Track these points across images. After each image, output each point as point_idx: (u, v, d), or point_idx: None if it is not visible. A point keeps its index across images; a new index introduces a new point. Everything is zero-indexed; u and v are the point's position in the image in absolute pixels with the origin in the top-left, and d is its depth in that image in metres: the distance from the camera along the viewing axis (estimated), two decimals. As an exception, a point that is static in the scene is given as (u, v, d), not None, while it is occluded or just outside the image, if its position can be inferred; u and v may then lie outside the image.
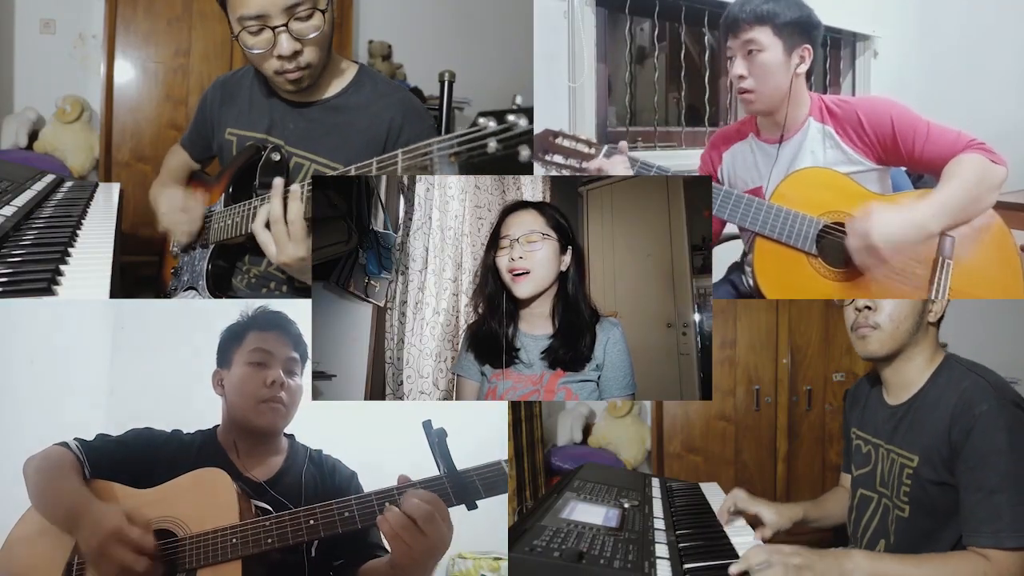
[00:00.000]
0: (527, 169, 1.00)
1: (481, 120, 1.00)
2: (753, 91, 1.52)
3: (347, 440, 1.49)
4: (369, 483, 1.37)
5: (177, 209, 1.61)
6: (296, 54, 1.43)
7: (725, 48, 1.55)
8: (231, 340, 1.39)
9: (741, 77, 1.51)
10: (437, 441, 1.12)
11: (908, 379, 1.28)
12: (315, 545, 1.25)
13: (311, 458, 1.39)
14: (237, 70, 1.73)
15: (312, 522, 1.15)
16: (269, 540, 1.15)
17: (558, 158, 1.50)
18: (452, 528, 1.11)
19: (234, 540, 1.16)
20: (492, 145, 0.99)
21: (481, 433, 1.78)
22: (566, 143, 1.50)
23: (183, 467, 1.26)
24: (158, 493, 1.24)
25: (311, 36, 1.41)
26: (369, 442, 1.73)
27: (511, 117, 0.98)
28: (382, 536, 1.13)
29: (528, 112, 0.98)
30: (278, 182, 1.31)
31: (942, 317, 1.30)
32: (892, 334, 1.26)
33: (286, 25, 1.39)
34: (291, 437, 1.42)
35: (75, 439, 1.32)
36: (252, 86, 1.65)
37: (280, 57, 1.43)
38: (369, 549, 1.26)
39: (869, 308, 1.27)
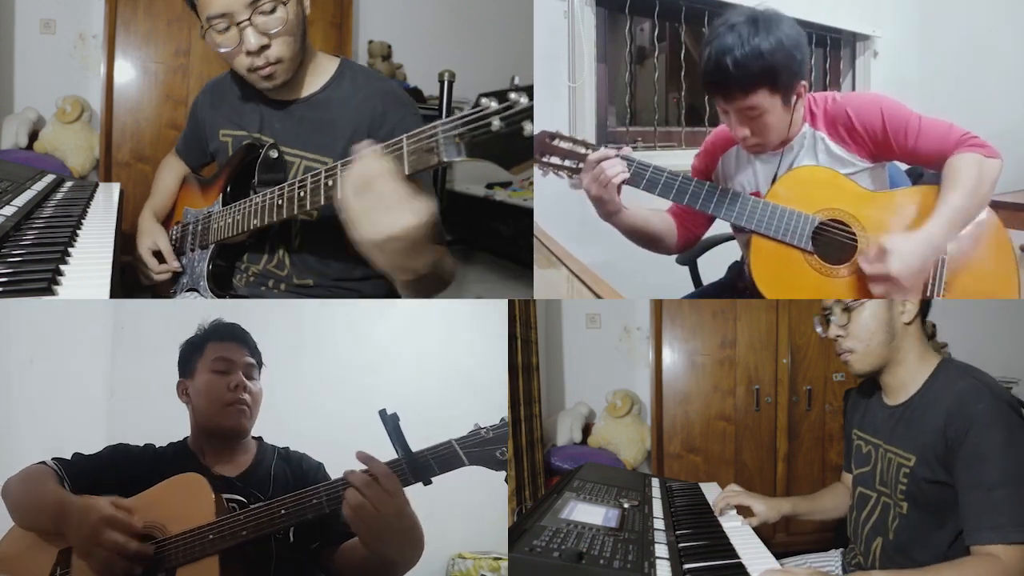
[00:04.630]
0: (530, 145, 1.00)
1: (483, 100, 1.00)
2: (760, 144, 1.49)
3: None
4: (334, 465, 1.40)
5: (152, 254, 1.66)
6: (264, 48, 1.42)
7: (713, 98, 1.47)
8: (192, 351, 1.47)
9: (744, 138, 1.46)
10: (392, 426, 1.19)
11: (903, 381, 1.30)
12: (292, 530, 1.30)
13: (279, 454, 1.46)
14: (224, 73, 1.72)
15: (283, 511, 1.20)
16: (244, 532, 1.19)
17: (555, 159, 1.51)
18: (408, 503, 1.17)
19: (211, 536, 1.20)
20: (496, 123, 0.98)
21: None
22: (563, 144, 1.50)
23: (159, 476, 1.31)
24: (138, 501, 1.28)
25: (276, 30, 1.41)
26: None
27: (512, 95, 0.98)
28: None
29: (528, 90, 0.98)
30: (358, 145, 1.12)
31: (924, 314, 1.31)
32: (867, 352, 1.29)
33: (250, 20, 1.39)
34: (259, 439, 1.48)
35: (53, 459, 1.36)
36: (243, 85, 1.64)
37: (249, 53, 1.42)
38: (342, 532, 1.30)
39: (840, 336, 1.30)
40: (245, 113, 1.63)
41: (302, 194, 1.31)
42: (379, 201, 1.04)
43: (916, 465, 1.21)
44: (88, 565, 1.19)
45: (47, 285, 1.07)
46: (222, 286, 1.61)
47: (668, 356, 2.91)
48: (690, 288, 2.06)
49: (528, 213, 3.17)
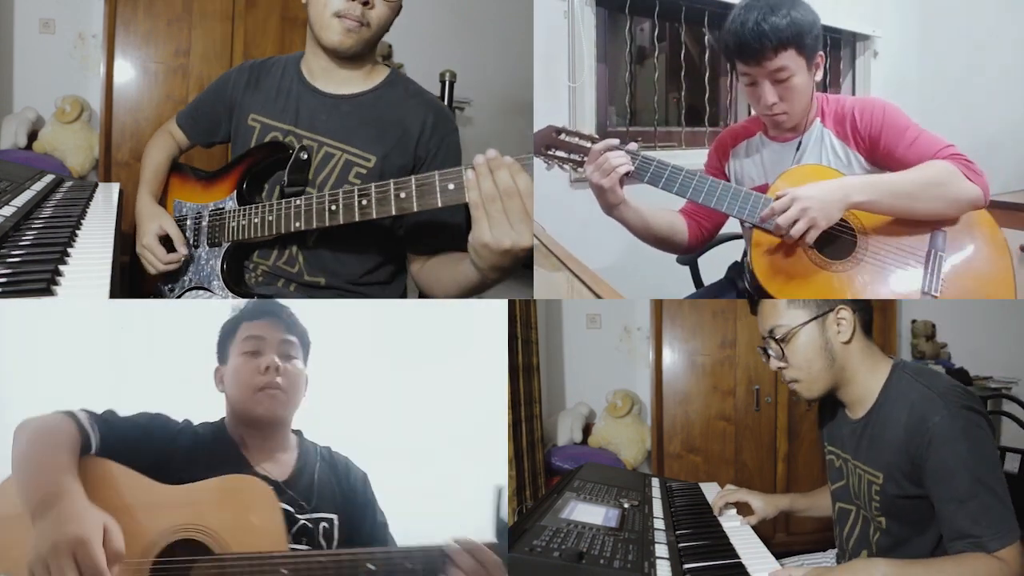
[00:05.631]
0: None
1: None
2: (787, 114, 1.50)
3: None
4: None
5: (161, 244, 1.60)
6: (367, 3, 1.45)
7: (735, 65, 1.50)
8: (226, 335, 1.36)
9: (773, 104, 1.48)
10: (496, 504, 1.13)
11: (859, 396, 1.26)
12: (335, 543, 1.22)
13: (322, 456, 1.34)
14: (267, 58, 1.71)
15: (372, 567, 1.07)
16: None
17: (560, 153, 1.53)
18: None
19: (284, 572, 1.06)
20: None
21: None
22: (569, 139, 1.52)
23: (199, 460, 1.20)
24: (186, 494, 1.13)
25: None
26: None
27: None
28: None
29: None
30: (491, 153, 1.15)
31: (867, 328, 1.26)
32: (811, 379, 1.26)
33: None
34: (299, 433, 1.37)
35: (83, 409, 1.19)
36: (283, 76, 1.64)
37: None
38: None
39: (782, 367, 1.27)
40: (281, 103, 1.61)
41: (364, 202, 1.30)
42: (523, 210, 1.12)
43: (885, 483, 1.19)
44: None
45: (46, 285, 1.06)
46: (238, 284, 1.59)
47: (668, 356, 2.91)
48: (690, 288, 2.06)
49: (528, 213, 3.17)
